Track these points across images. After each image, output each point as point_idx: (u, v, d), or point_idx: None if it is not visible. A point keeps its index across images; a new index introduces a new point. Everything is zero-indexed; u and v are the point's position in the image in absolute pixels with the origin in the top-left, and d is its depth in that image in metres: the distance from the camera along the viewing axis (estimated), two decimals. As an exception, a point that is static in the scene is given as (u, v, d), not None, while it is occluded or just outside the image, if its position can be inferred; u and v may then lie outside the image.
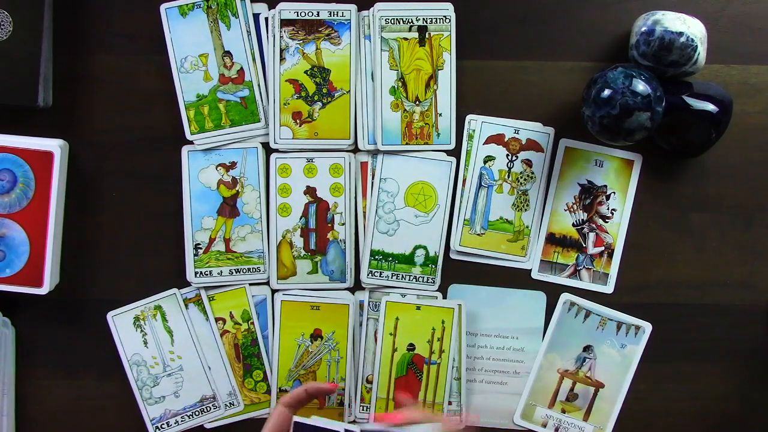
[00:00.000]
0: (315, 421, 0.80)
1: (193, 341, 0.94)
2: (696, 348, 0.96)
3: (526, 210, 0.95)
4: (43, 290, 0.90)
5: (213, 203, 0.94)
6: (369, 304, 0.95)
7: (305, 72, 0.93)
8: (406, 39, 0.93)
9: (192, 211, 0.93)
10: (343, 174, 0.94)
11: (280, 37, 0.93)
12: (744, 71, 0.95)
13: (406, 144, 0.94)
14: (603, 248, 0.95)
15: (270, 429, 0.81)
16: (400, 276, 0.94)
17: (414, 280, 0.95)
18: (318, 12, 0.93)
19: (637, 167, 0.95)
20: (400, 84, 0.93)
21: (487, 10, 0.94)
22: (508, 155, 0.95)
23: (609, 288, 0.95)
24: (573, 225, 0.95)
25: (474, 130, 0.94)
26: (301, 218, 0.94)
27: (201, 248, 0.93)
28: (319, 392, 0.85)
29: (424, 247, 0.94)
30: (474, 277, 0.95)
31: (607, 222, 0.95)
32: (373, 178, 0.94)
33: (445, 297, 0.95)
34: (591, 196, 0.95)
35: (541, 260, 0.95)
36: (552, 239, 0.95)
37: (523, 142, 0.95)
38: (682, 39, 0.87)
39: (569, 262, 0.95)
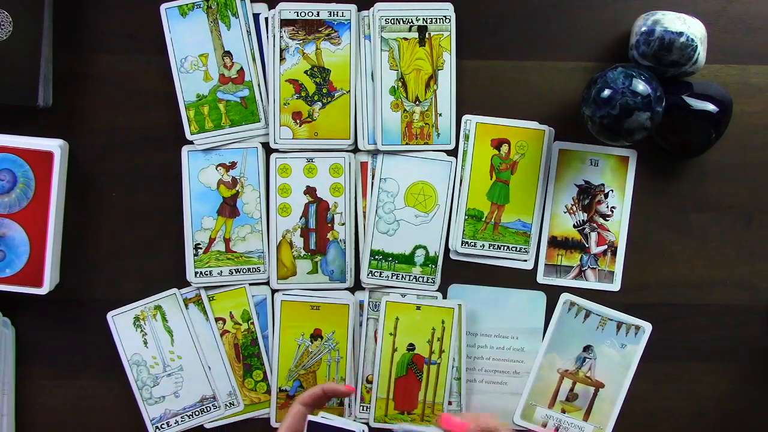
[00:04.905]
0: (329, 420, 0.79)
1: (193, 341, 0.94)
2: (696, 348, 0.96)
3: (526, 210, 0.95)
4: (43, 290, 0.90)
5: (213, 203, 0.94)
6: (369, 304, 0.95)
7: (305, 72, 0.93)
8: (406, 39, 0.93)
9: (192, 211, 0.93)
10: (343, 174, 0.94)
11: (280, 37, 0.93)
12: (744, 71, 0.95)
13: (406, 144, 0.94)
14: (606, 246, 0.95)
15: (286, 427, 0.81)
16: (400, 276, 0.94)
17: (414, 280, 0.95)
18: (318, 12, 0.93)
19: (633, 163, 0.95)
20: (400, 84, 0.93)
21: (487, 10, 0.94)
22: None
23: (616, 285, 0.95)
24: (574, 226, 0.95)
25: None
26: (301, 218, 0.94)
27: (201, 248, 0.93)
28: (336, 393, 0.85)
29: (424, 247, 0.94)
30: (474, 277, 0.95)
31: (607, 220, 0.95)
32: (373, 178, 0.94)
33: (445, 297, 0.95)
34: (589, 195, 0.95)
35: (545, 264, 0.95)
36: (554, 242, 0.95)
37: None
38: (682, 39, 0.87)
39: (573, 264, 0.95)
